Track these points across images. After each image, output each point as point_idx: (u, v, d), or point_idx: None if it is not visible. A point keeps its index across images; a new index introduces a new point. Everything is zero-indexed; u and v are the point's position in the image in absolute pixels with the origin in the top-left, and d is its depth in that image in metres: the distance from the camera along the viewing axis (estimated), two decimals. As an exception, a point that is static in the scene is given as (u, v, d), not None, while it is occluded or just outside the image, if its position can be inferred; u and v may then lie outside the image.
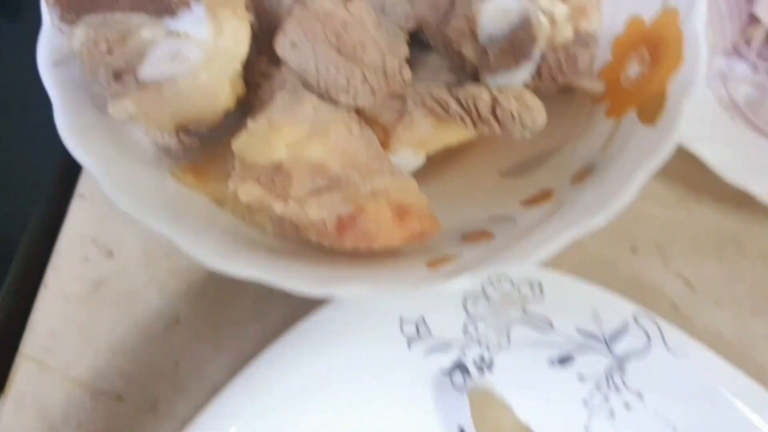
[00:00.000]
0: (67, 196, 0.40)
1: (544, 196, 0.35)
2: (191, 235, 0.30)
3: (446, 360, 0.34)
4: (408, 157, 0.35)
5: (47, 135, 0.31)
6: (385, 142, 0.34)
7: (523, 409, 0.35)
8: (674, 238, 0.39)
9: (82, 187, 0.41)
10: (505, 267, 0.29)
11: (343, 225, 0.30)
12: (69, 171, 0.40)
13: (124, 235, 0.40)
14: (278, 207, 0.30)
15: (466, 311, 0.33)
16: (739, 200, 0.38)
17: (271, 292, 0.36)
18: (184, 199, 0.34)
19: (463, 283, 0.29)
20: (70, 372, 0.37)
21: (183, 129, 0.34)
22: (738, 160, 0.36)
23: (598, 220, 0.30)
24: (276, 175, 0.30)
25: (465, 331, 0.34)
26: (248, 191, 0.30)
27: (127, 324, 0.38)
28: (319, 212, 0.30)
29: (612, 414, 0.35)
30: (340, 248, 0.32)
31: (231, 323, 0.38)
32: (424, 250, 0.33)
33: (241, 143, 0.30)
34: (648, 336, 0.32)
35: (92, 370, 0.37)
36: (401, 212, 0.31)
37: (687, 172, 0.40)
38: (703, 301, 0.38)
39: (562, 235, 0.29)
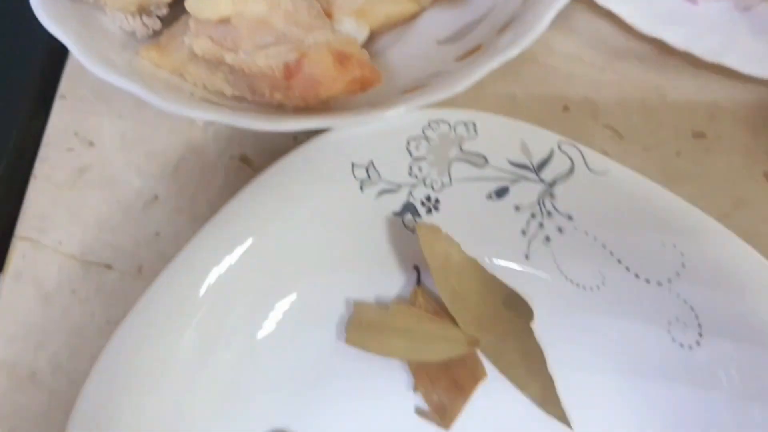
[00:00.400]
0: (50, 98, 0.44)
1: (474, 50, 0.39)
2: (158, 93, 0.34)
3: (397, 202, 0.38)
4: (351, 27, 0.39)
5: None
6: (327, 12, 0.38)
7: (468, 243, 0.39)
8: (602, 94, 0.43)
9: (63, 88, 0.44)
10: (436, 96, 0.33)
11: (289, 71, 0.34)
12: (51, 76, 0.44)
13: (102, 126, 0.44)
14: (229, 57, 0.34)
15: (410, 153, 0.37)
16: (659, 55, 0.43)
17: (242, 168, 0.41)
18: (150, 73, 0.38)
19: (401, 112, 0.33)
20: (61, 248, 0.41)
21: (145, 11, 0.38)
22: (646, 11, 0.40)
23: (514, 51, 0.34)
24: (226, 32, 0.34)
25: (410, 172, 0.38)
26: (202, 45, 0.34)
27: (110, 203, 0.42)
28: (266, 61, 0.34)
29: (547, 239, 0.39)
30: (291, 99, 0.36)
31: (205, 197, 0.42)
32: (368, 103, 0.37)
33: (191, 1, 0.34)
34: (571, 160, 0.36)
35: (81, 244, 0.41)
36: (342, 58, 0.35)
37: (612, 37, 0.44)
38: (631, 147, 0.42)
39: (484, 66, 0.33)
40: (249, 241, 0.35)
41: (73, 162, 0.43)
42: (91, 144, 0.43)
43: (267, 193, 0.36)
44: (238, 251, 0.35)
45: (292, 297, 0.37)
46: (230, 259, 0.35)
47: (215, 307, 0.35)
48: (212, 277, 0.34)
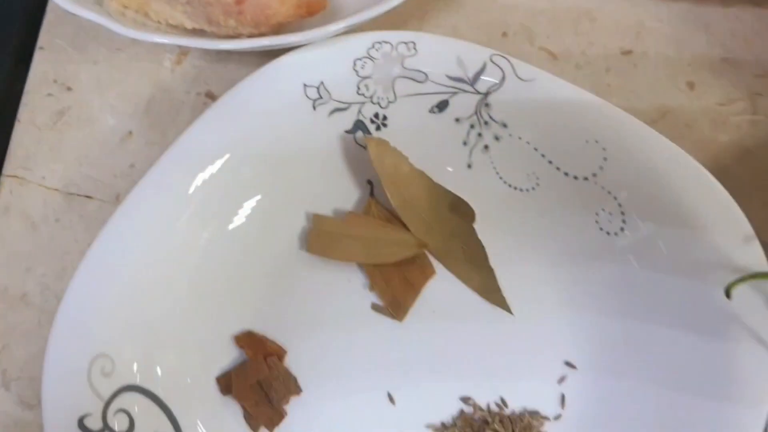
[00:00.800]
0: (30, 50, 0.48)
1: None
2: (119, 22, 0.38)
3: (348, 120, 0.42)
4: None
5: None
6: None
7: (415, 156, 0.43)
8: (537, 21, 0.47)
9: (42, 41, 0.48)
10: (375, 12, 0.37)
11: (239, -3, 0.38)
12: (30, 30, 0.48)
13: (78, 73, 0.47)
14: (185, -14, 0.38)
15: (357, 73, 0.41)
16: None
17: (207, 103, 0.44)
18: (118, 11, 0.42)
19: (341, 27, 0.37)
20: (45, 183, 0.45)
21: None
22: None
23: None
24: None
25: (358, 91, 0.41)
26: (159, -22, 0.38)
27: (88, 141, 0.46)
28: (219, -12, 0.38)
29: (486, 148, 0.42)
30: (244, 25, 0.39)
31: (174, 131, 0.46)
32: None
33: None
34: (502, 71, 0.40)
35: (63, 179, 0.45)
36: (287, -16, 0.38)
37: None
38: (565, 66, 0.46)
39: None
40: (226, 156, 0.40)
41: (53, 106, 0.47)
42: (69, 89, 0.47)
43: (231, 112, 0.40)
44: (217, 162, 0.39)
45: (257, 197, 0.41)
46: (211, 168, 0.39)
47: (198, 205, 0.39)
48: (199, 180, 0.39)
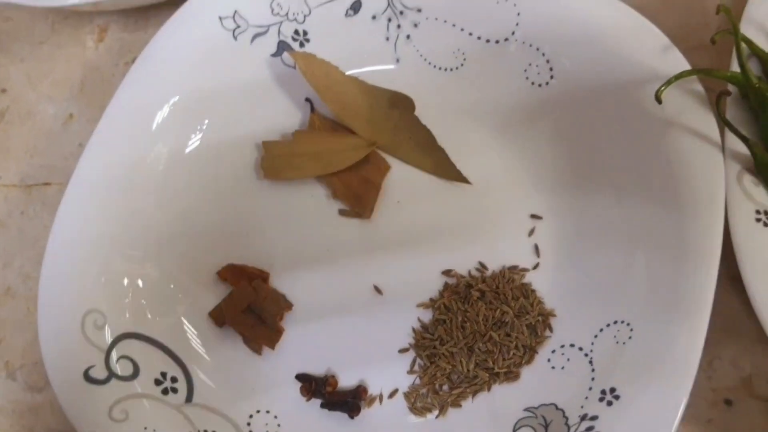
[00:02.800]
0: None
1: None
2: None
3: (270, 43, 0.43)
4: None
5: None
6: None
7: (344, 64, 0.44)
8: None
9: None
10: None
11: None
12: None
13: (8, 74, 0.48)
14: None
15: (267, -6, 0.42)
16: None
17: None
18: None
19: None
20: (2, 182, 0.46)
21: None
22: None
23: None
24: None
25: (273, 12, 0.43)
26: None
27: (33, 133, 0.47)
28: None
29: (408, 37, 0.44)
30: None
31: (114, 103, 0.47)
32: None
33: None
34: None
35: (18, 173, 0.46)
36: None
37: None
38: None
39: None
40: (176, 98, 0.41)
41: (-9, 109, 0.48)
42: (3, 90, 0.48)
43: (157, 58, 0.41)
44: (168, 101, 0.41)
45: (205, 121, 0.42)
46: (164, 111, 0.41)
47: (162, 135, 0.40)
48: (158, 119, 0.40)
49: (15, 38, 0.49)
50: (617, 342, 0.36)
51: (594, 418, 0.34)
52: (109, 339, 0.37)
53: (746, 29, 0.39)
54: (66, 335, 0.36)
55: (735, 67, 0.37)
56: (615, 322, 0.37)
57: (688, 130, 0.37)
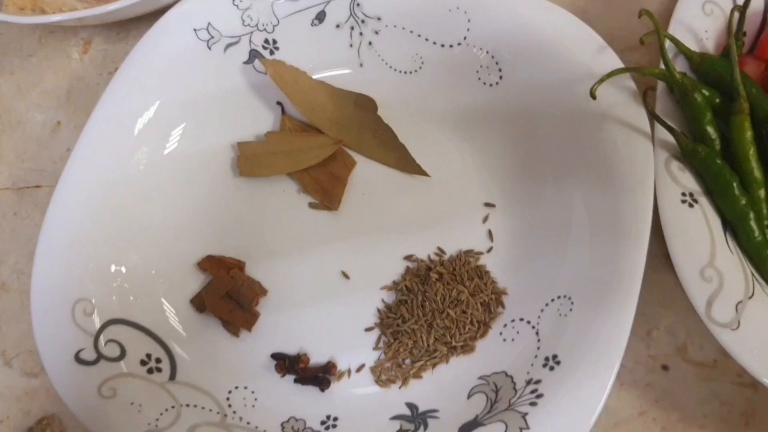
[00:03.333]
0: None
1: None
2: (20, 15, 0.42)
3: (242, 52, 0.47)
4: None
5: None
6: None
7: (312, 69, 0.48)
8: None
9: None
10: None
11: (115, -35, 0.43)
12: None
13: (1, 85, 0.52)
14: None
15: (237, 7, 0.46)
16: None
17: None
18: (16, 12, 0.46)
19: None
20: (-4, 185, 0.50)
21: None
22: None
23: None
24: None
25: (243, 23, 0.46)
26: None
27: (23, 140, 0.51)
28: (96, -37, 0.43)
29: (370, 44, 0.48)
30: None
31: (99, 110, 0.50)
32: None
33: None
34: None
35: (11, 177, 0.50)
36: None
37: None
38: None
39: None
40: (156, 104, 0.45)
41: (-17, 118, 0.51)
42: (-7, 100, 0.52)
43: (137, 68, 0.44)
44: (149, 107, 0.44)
45: (183, 125, 0.46)
46: (145, 116, 0.44)
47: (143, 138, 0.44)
48: (140, 124, 0.44)
49: (5, 52, 0.52)
50: (560, 314, 0.40)
51: (538, 381, 0.38)
52: (97, 324, 0.41)
53: (675, 30, 0.43)
54: (57, 322, 0.40)
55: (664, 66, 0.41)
56: (558, 297, 0.40)
57: (621, 122, 0.41)
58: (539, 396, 0.37)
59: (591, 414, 0.35)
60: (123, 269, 0.42)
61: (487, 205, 0.45)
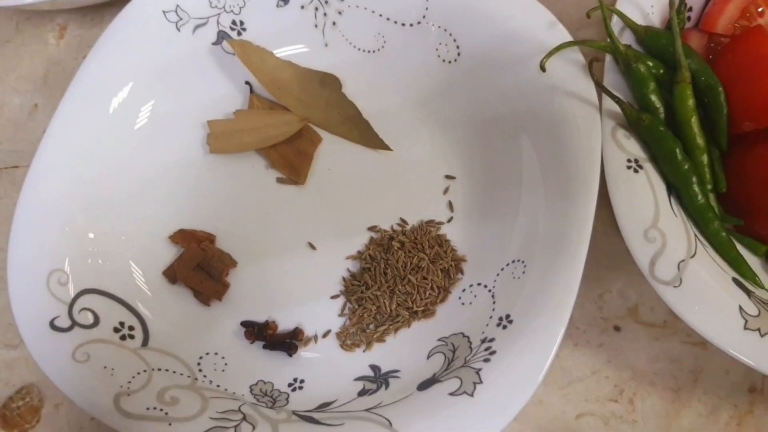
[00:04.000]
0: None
1: None
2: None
3: (210, 33, 0.49)
4: None
5: None
6: None
7: (278, 49, 0.50)
8: None
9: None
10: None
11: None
12: None
13: (-23, 69, 0.54)
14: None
15: (204, -14, 0.48)
16: None
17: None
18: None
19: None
20: (-26, 167, 0.51)
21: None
22: None
23: None
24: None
25: (211, 4, 0.48)
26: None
27: (2, 122, 0.52)
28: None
29: (334, 24, 0.50)
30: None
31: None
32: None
33: None
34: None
35: (-11, 159, 0.51)
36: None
37: None
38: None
39: None
40: (129, 84, 0.47)
41: (-38, 103, 0.53)
42: (-28, 85, 0.53)
43: (109, 48, 0.46)
44: (124, 88, 0.46)
45: (152, 102, 0.48)
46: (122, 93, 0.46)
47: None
48: (115, 102, 0.46)
49: (-18, 41, 0.54)
50: (514, 277, 0.42)
51: (492, 340, 0.40)
52: (72, 293, 0.42)
53: (622, 5, 0.45)
54: (33, 291, 0.41)
55: (611, 39, 0.43)
56: (513, 261, 0.42)
57: (571, 94, 0.43)
58: (492, 353, 0.39)
59: (540, 367, 0.37)
60: (94, 238, 0.44)
61: (448, 177, 0.47)
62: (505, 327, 0.40)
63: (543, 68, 0.42)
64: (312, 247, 0.46)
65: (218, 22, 0.48)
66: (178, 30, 0.48)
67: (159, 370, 0.41)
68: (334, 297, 0.45)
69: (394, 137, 0.48)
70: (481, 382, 0.38)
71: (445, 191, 0.47)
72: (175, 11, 0.47)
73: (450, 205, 0.46)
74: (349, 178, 0.48)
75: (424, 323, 0.44)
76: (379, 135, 0.48)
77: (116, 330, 0.42)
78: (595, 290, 0.45)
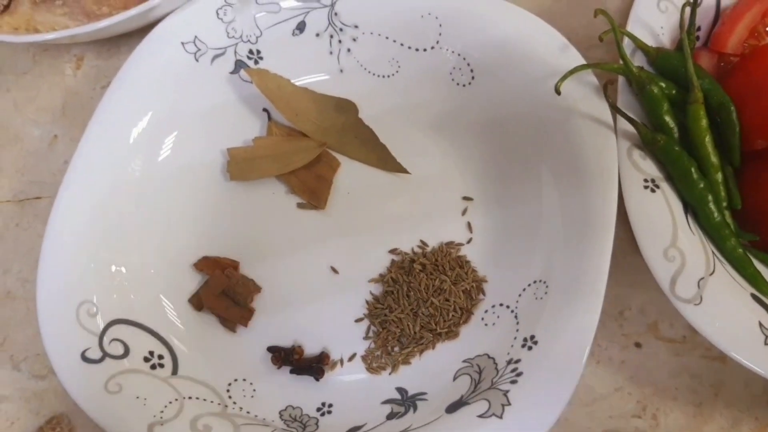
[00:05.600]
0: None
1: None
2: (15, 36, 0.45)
3: (228, 63, 0.50)
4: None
5: None
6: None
7: (295, 76, 0.50)
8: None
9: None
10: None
11: (105, -15, 0.45)
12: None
13: (-5, 102, 0.54)
14: (58, -10, 0.45)
15: (222, 20, 0.49)
16: None
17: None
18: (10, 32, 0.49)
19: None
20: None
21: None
22: None
23: None
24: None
25: (228, 35, 0.49)
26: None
27: (21, 154, 0.53)
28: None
29: (349, 50, 0.50)
30: (116, 8, 0.47)
31: (93, 123, 0.53)
32: None
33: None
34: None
35: (11, 190, 0.52)
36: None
37: None
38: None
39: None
40: (149, 114, 0.47)
41: (-18, 133, 0.53)
42: (-9, 116, 0.54)
43: (128, 80, 0.47)
44: (142, 116, 0.47)
45: (175, 133, 0.48)
46: (138, 126, 0.47)
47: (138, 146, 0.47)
48: (134, 133, 0.47)
49: (0, 71, 0.55)
50: (536, 298, 0.42)
51: (517, 361, 0.41)
52: (101, 325, 0.43)
53: (633, 27, 0.46)
54: (63, 324, 0.42)
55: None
56: (535, 282, 0.43)
57: (585, 116, 0.43)
58: (519, 374, 0.40)
59: (568, 388, 0.38)
60: (123, 270, 0.45)
61: (466, 198, 0.48)
62: (530, 348, 0.40)
63: (558, 91, 0.43)
64: (334, 271, 0.47)
65: (236, 52, 0.49)
66: (197, 60, 0.48)
67: (190, 398, 0.42)
68: (358, 320, 0.46)
69: (411, 160, 0.49)
70: (509, 403, 0.38)
71: (464, 212, 0.48)
72: (194, 42, 0.48)
73: (469, 226, 0.47)
74: (368, 201, 0.48)
75: (448, 345, 0.44)
76: (396, 158, 0.48)
77: (146, 359, 0.43)
78: (615, 307, 0.45)
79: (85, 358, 0.42)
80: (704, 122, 0.42)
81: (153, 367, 0.43)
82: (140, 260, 0.46)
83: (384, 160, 0.49)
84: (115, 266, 0.45)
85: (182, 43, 0.48)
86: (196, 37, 0.48)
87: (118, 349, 0.43)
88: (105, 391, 0.41)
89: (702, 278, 0.40)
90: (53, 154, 0.52)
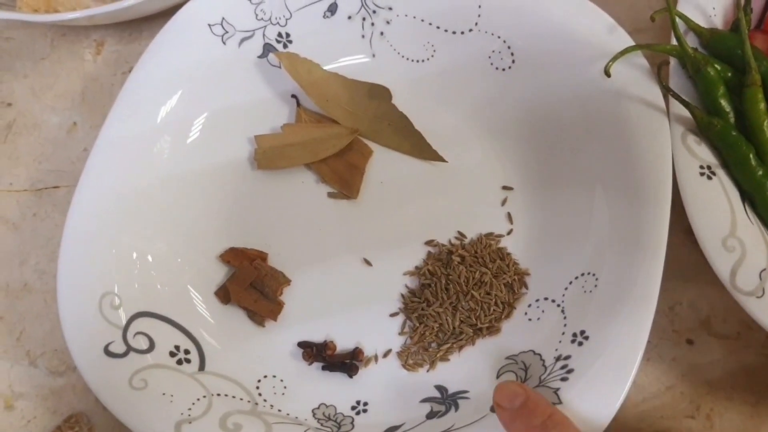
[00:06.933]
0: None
1: None
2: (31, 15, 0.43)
3: (256, 46, 0.48)
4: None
5: None
6: None
7: (325, 61, 0.48)
8: None
9: None
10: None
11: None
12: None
13: (13, 89, 0.52)
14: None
15: (250, 1, 0.47)
16: None
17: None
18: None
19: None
20: (13, 188, 0.50)
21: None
22: None
23: None
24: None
25: (257, 17, 0.47)
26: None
27: (40, 142, 0.51)
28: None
29: (382, 34, 0.48)
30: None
31: (113, 110, 0.51)
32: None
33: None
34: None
35: (29, 179, 0.50)
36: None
37: None
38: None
39: None
40: (178, 93, 0.45)
41: (0, 122, 0.51)
42: (9, 105, 0.52)
43: (154, 64, 0.45)
44: (170, 97, 0.45)
45: (205, 114, 0.47)
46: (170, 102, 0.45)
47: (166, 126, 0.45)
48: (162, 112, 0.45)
49: (17, 56, 0.53)
50: (585, 291, 0.40)
51: (567, 357, 0.38)
52: (125, 318, 0.41)
53: (683, 8, 0.43)
54: (85, 317, 0.40)
55: (675, 42, 0.41)
56: (582, 275, 0.41)
57: (636, 99, 0.41)
58: (570, 371, 0.37)
59: (622, 386, 0.36)
60: (149, 258, 0.42)
61: (505, 188, 0.45)
62: (581, 344, 0.38)
63: (608, 73, 0.41)
64: (367, 263, 0.45)
65: (264, 35, 0.47)
66: (224, 43, 0.46)
67: (218, 395, 0.40)
68: (393, 315, 0.44)
69: (446, 148, 0.46)
70: (560, 402, 0.36)
71: (503, 202, 0.45)
72: (221, 24, 0.46)
73: (509, 216, 0.45)
74: (403, 190, 0.46)
75: (489, 341, 0.42)
76: (432, 146, 0.46)
77: (172, 354, 0.41)
78: (665, 302, 0.43)
79: (108, 352, 0.40)
80: (762, 106, 0.40)
81: (179, 362, 0.41)
82: (167, 248, 0.43)
83: (419, 147, 0.47)
84: (140, 254, 0.42)
85: (209, 25, 0.46)
86: (223, 18, 0.46)
87: (143, 343, 0.41)
88: (130, 387, 0.39)
89: (764, 269, 0.37)
90: (72, 142, 0.50)
